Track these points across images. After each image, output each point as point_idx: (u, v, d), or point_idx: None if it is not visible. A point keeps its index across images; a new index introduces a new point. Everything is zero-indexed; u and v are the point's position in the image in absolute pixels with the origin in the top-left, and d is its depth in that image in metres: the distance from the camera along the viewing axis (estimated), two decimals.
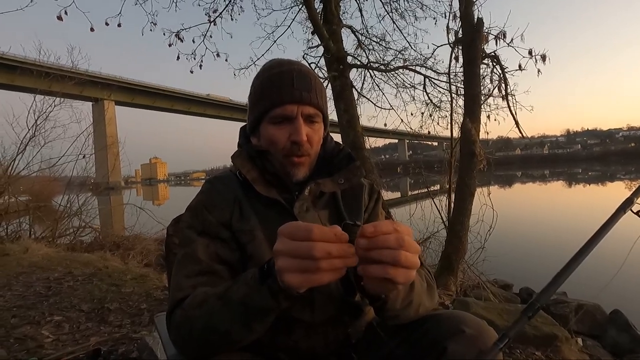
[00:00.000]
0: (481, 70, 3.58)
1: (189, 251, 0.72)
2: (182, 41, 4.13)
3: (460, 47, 3.61)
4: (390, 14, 5.05)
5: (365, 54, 5.04)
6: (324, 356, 0.75)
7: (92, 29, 3.66)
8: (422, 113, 5.05)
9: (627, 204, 0.51)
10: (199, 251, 0.71)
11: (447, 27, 3.78)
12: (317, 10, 3.97)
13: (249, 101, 0.80)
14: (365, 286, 0.57)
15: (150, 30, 4.07)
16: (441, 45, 4.24)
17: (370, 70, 4.91)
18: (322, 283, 0.48)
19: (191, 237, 0.74)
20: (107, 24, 3.79)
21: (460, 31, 3.59)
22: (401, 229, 0.49)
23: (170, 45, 4.10)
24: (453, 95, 4.20)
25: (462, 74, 3.73)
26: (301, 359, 0.74)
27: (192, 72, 4.34)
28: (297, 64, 0.77)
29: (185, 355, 0.67)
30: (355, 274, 0.56)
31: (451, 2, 3.85)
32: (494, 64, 3.83)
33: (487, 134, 4.21)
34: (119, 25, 3.78)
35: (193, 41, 4.27)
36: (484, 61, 3.69)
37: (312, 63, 4.14)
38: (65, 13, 3.36)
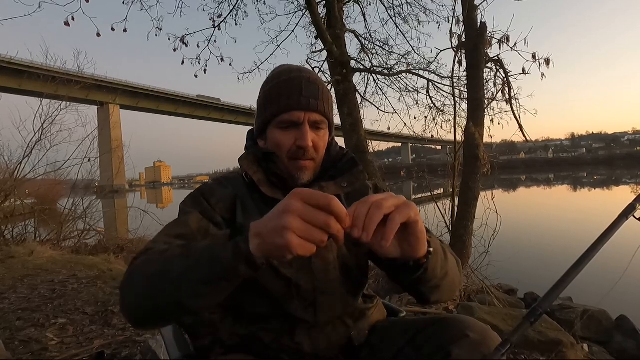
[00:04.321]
0: (485, 74, 3.59)
1: (182, 218, 0.72)
2: (187, 46, 4.19)
3: (464, 51, 3.61)
4: (394, 18, 5.09)
5: (369, 58, 5.07)
6: (327, 359, 0.75)
7: (98, 34, 3.70)
8: (426, 117, 5.06)
9: (629, 210, 0.51)
10: (191, 220, 0.71)
11: (451, 31, 3.80)
12: (321, 15, 4.00)
13: (257, 105, 0.82)
14: (396, 254, 0.56)
15: (156, 35, 4.13)
16: (444, 50, 4.28)
17: (373, 75, 4.93)
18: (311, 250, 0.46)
19: (188, 210, 0.74)
20: (113, 29, 3.85)
21: (464, 35, 3.59)
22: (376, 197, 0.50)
23: (175, 50, 4.15)
24: (456, 99, 4.20)
25: (465, 77, 3.74)
26: None
27: (196, 76, 4.38)
28: (306, 72, 0.79)
29: (123, 306, 0.61)
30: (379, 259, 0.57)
31: (454, 6, 3.86)
32: (498, 67, 3.84)
33: (491, 137, 4.21)
34: (125, 30, 3.83)
35: (198, 46, 4.32)
36: (487, 65, 3.70)
37: (315, 67, 4.16)
38: (72, 19, 3.41)
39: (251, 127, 0.88)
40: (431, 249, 0.60)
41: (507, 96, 3.87)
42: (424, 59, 4.94)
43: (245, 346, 0.75)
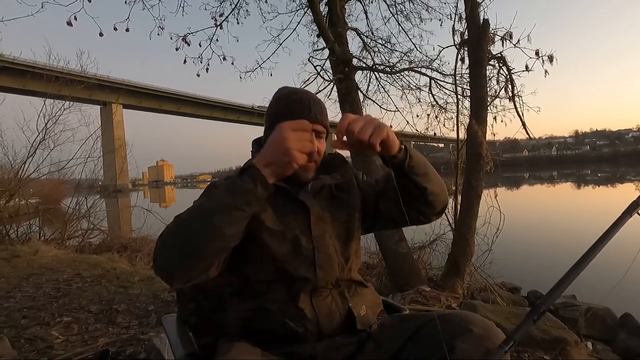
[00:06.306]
0: (487, 72, 3.56)
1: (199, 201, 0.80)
2: (189, 45, 4.17)
3: (466, 49, 3.59)
4: (396, 16, 5.05)
5: (371, 56, 5.03)
6: (331, 334, 0.80)
7: (101, 34, 3.70)
8: (428, 115, 5.01)
9: (632, 208, 0.51)
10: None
11: (453, 28, 3.76)
12: (323, 13, 3.98)
13: (267, 120, 0.95)
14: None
15: (158, 34, 4.11)
16: (447, 47, 4.22)
17: (375, 73, 4.89)
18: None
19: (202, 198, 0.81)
20: (115, 29, 3.84)
21: (466, 33, 3.57)
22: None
23: (177, 49, 4.14)
24: (459, 96, 4.18)
25: (468, 75, 3.71)
26: (308, 330, 0.79)
27: (198, 75, 4.37)
28: (309, 93, 0.97)
29: (159, 257, 0.71)
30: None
31: (457, 3, 3.83)
32: (501, 65, 3.81)
33: (494, 135, 4.18)
34: (127, 30, 3.82)
35: (200, 45, 4.30)
36: (490, 62, 3.67)
37: (317, 66, 4.14)
38: (75, 18, 3.42)
39: (256, 137, 1.01)
40: (403, 146, 0.84)
41: (510, 93, 3.84)
42: (426, 56, 4.90)
43: (252, 320, 0.81)
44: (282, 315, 0.79)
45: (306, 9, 4.49)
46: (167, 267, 0.70)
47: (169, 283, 0.74)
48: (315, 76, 4.00)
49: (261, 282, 0.83)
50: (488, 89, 3.60)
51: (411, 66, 4.80)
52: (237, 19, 4.51)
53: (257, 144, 0.97)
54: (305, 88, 1.09)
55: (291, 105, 0.90)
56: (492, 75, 3.84)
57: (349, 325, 0.83)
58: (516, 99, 3.82)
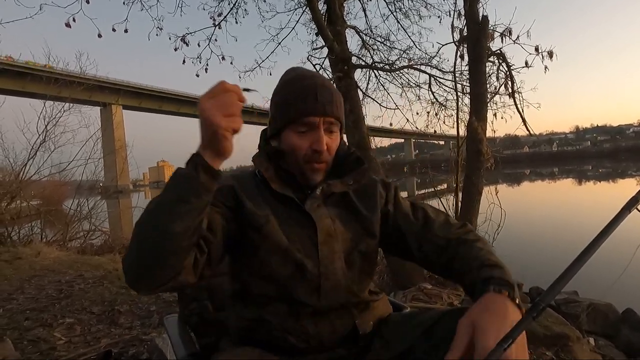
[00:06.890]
0: (487, 68, 3.56)
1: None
2: (187, 45, 4.17)
3: (466, 45, 3.59)
4: (395, 13, 5.03)
5: (370, 54, 5.03)
6: (332, 347, 0.77)
7: (99, 35, 3.71)
8: (428, 112, 5.01)
9: (632, 203, 0.50)
10: None
11: (452, 25, 3.77)
12: (321, 12, 3.97)
13: (272, 108, 0.85)
14: None
15: (157, 35, 4.11)
16: (446, 44, 4.22)
17: (375, 71, 4.89)
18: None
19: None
20: (114, 29, 3.84)
21: (465, 29, 3.57)
22: None
23: (176, 49, 4.14)
24: (459, 93, 4.18)
25: (467, 72, 3.71)
26: (310, 346, 0.75)
27: (198, 75, 4.37)
28: (319, 78, 0.83)
29: (125, 267, 0.65)
30: None
31: (455, 0, 3.83)
32: (500, 61, 3.81)
33: (494, 132, 4.20)
34: (126, 31, 3.83)
35: (198, 45, 4.30)
36: (489, 59, 3.67)
37: (316, 64, 4.13)
38: (74, 20, 3.42)
39: (264, 127, 0.90)
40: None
41: (509, 90, 3.84)
42: (426, 53, 4.90)
43: (253, 329, 0.77)
44: (282, 330, 0.75)
45: (305, 7, 4.48)
46: (128, 275, 0.64)
47: (135, 290, 0.68)
48: None
49: (262, 296, 0.78)
50: (488, 85, 3.60)
51: (410, 64, 4.79)
52: (235, 19, 4.50)
53: (264, 135, 0.89)
54: None
55: (296, 93, 0.79)
56: (491, 71, 3.85)
57: (354, 338, 0.79)
58: (516, 95, 3.82)
